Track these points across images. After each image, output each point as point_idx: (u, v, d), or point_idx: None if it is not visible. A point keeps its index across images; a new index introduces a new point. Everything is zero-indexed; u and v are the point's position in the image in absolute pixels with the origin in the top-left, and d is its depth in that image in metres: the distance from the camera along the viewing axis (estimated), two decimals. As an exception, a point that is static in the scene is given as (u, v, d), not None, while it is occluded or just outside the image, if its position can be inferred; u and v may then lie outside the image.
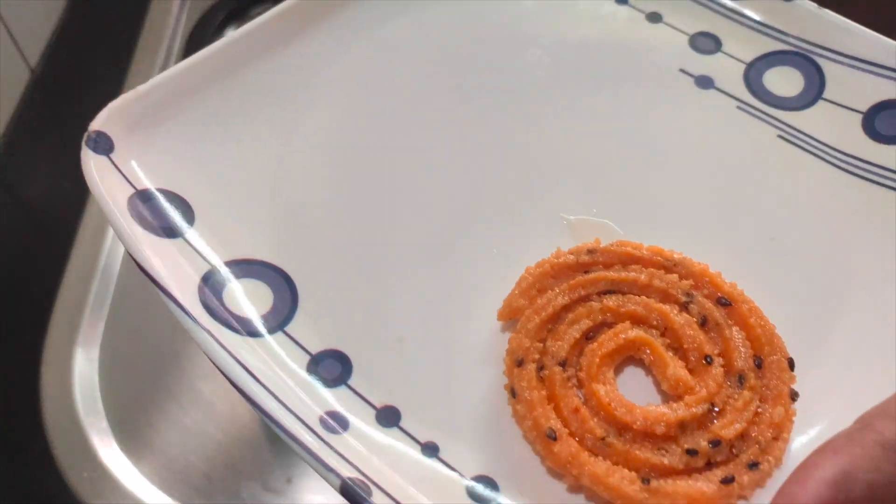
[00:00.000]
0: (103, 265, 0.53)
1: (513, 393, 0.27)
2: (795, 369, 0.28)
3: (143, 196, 0.31)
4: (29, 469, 0.44)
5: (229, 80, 0.35)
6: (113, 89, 0.59)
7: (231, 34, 0.36)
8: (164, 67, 0.63)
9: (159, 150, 0.33)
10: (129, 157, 0.32)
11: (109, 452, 0.45)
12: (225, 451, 0.46)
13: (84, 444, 0.45)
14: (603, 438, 0.26)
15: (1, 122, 0.55)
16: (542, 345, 0.28)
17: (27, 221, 0.52)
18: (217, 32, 0.66)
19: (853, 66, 0.36)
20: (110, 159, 0.31)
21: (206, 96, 0.35)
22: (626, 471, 0.25)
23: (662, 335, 0.29)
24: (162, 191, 0.32)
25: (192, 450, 0.46)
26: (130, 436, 0.46)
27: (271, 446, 0.46)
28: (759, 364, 0.28)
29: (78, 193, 0.52)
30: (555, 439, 0.26)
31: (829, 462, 0.21)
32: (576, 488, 0.26)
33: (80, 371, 0.48)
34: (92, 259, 0.53)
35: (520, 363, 0.28)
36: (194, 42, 0.65)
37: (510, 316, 0.29)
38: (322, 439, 0.26)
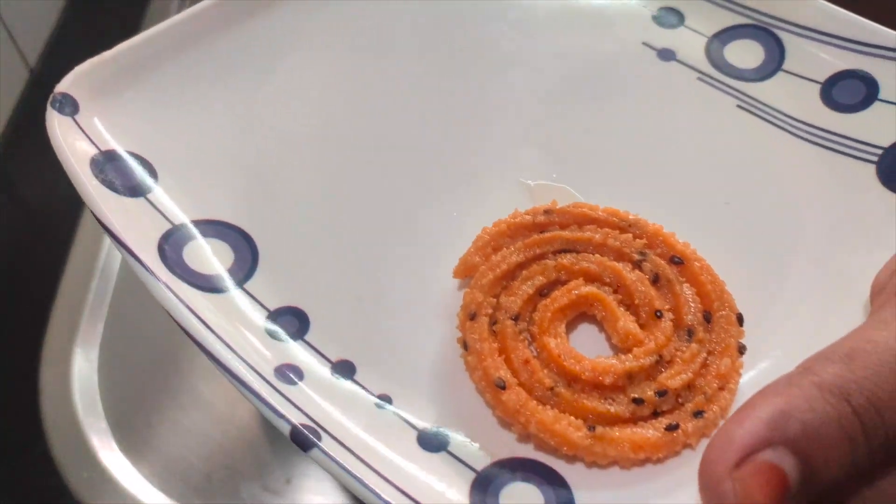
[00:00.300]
0: (102, 265, 0.53)
1: (465, 346, 0.28)
2: (744, 324, 0.28)
3: (108, 156, 0.32)
4: (28, 469, 0.44)
5: (196, 48, 0.36)
6: None
7: (200, 3, 0.36)
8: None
9: (125, 114, 0.33)
10: (94, 118, 0.32)
11: (109, 453, 0.45)
12: (225, 452, 0.46)
13: (83, 445, 0.45)
14: (551, 388, 0.26)
15: (0, 121, 0.55)
16: (495, 300, 0.29)
17: (27, 221, 0.52)
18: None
19: (812, 38, 0.37)
20: (75, 120, 0.32)
21: (174, 63, 0.35)
22: (572, 418, 0.26)
23: (615, 292, 0.29)
24: (125, 152, 0.32)
25: (191, 450, 0.46)
26: (130, 436, 0.46)
27: (271, 447, 0.46)
28: (708, 319, 0.28)
29: (77, 193, 0.51)
30: (504, 388, 0.26)
31: (768, 402, 0.21)
32: (524, 437, 0.26)
33: (80, 371, 0.48)
34: (91, 259, 0.53)
35: (472, 317, 0.28)
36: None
37: (465, 273, 0.30)
38: (275, 388, 0.26)
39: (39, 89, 0.57)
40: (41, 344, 0.49)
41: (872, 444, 0.21)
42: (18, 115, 0.56)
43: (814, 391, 0.21)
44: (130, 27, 0.64)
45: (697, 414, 0.26)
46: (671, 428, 0.25)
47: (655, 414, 0.26)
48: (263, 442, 0.46)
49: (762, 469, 0.20)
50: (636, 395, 0.26)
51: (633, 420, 0.26)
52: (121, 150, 0.32)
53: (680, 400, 0.26)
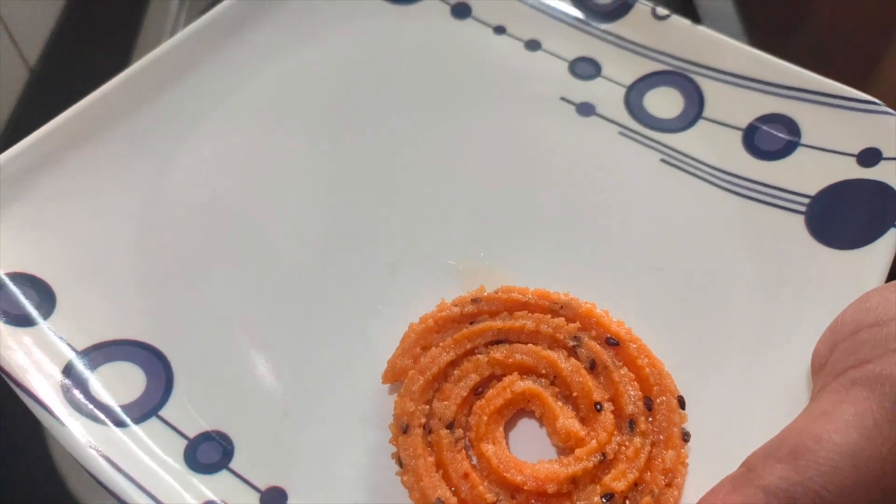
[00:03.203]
0: None
1: (399, 462, 0.26)
2: (686, 407, 0.27)
3: None
4: (27, 470, 0.42)
5: (80, 150, 0.33)
6: None
7: (82, 102, 0.34)
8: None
9: (12, 229, 0.31)
10: None
11: None
12: None
13: None
14: (494, 503, 0.25)
15: (0, 121, 0.53)
16: (428, 407, 0.27)
17: None
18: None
19: (731, 83, 0.36)
20: None
21: (61, 166, 0.33)
22: (518, 536, 0.24)
23: (553, 383, 0.28)
24: (14, 274, 0.30)
25: None
26: None
27: None
28: (649, 405, 0.27)
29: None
30: (444, 510, 0.25)
31: None
32: (471, 558, 0.25)
33: None
34: None
35: (405, 430, 0.26)
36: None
37: (395, 378, 0.28)
38: None
39: (39, 89, 0.56)
40: None
41: None
42: (18, 115, 0.55)
43: (759, 496, 0.21)
44: (129, 27, 0.64)
45: (646, 516, 0.25)
46: (620, 535, 0.24)
47: (604, 519, 0.25)
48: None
49: None
50: (582, 503, 0.25)
51: (581, 529, 0.25)
52: (6, 274, 0.30)
53: (627, 502, 0.25)
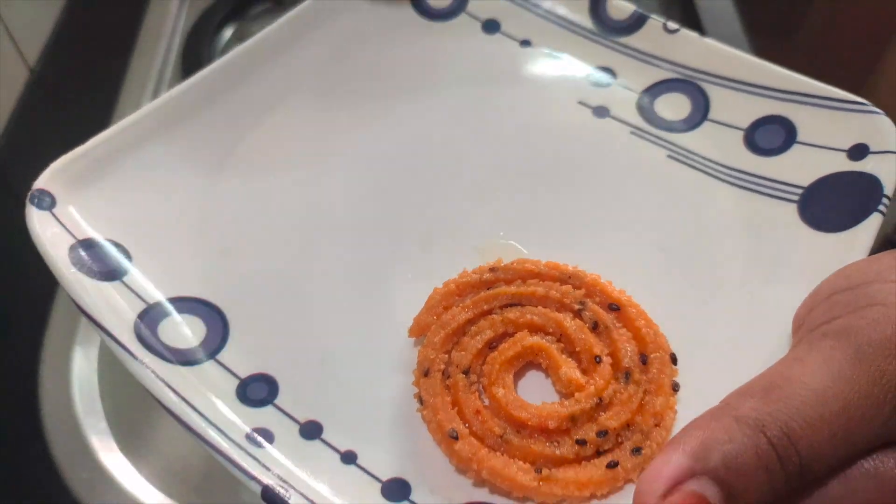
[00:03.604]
0: None
1: (420, 401, 0.30)
2: (678, 364, 0.31)
3: (84, 245, 0.34)
4: (28, 470, 0.44)
5: (160, 139, 0.38)
6: (112, 89, 0.60)
7: (160, 99, 0.39)
8: (162, 68, 0.65)
9: (99, 203, 0.36)
10: (70, 209, 0.35)
11: (108, 453, 0.45)
12: None
13: (83, 445, 0.45)
14: (501, 436, 0.29)
15: (0, 121, 0.55)
16: (447, 356, 0.31)
17: (27, 221, 0.53)
18: (216, 32, 0.66)
19: (734, 88, 0.40)
20: (52, 213, 0.34)
21: (140, 153, 0.38)
22: (521, 463, 0.28)
23: (559, 341, 0.31)
24: (101, 239, 0.35)
25: (191, 450, 0.46)
26: (130, 436, 0.46)
27: None
28: (644, 361, 0.30)
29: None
30: (456, 438, 0.28)
31: (692, 436, 0.23)
32: (479, 483, 0.28)
33: (79, 371, 0.48)
34: None
35: (426, 373, 0.30)
36: (192, 42, 0.66)
37: (419, 332, 0.32)
38: (247, 452, 0.28)
39: (39, 89, 0.58)
40: (41, 344, 0.49)
41: (789, 472, 0.22)
42: (18, 115, 0.56)
43: (732, 424, 0.23)
44: (129, 27, 0.66)
45: (636, 451, 0.28)
46: (612, 465, 0.28)
47: (598, 453, 0.29)
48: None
49: (687, 498, 0.22)
50: (579, 437, 0.28)
51: (578, 460, 0.28)
52: (97, 238, 0.35)
53: (620, 439, 0.29)
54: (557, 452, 0.28)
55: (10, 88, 0.56)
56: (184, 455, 0.46)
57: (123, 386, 0.48)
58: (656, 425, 0.29)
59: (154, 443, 0.47)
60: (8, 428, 0.46)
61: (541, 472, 0.27)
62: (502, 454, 0.28)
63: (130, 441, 0.46)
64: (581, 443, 0.28)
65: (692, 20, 0.41)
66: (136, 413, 0.48)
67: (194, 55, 0.64)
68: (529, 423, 0.29)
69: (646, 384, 0.30)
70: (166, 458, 0.46)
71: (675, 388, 0.30)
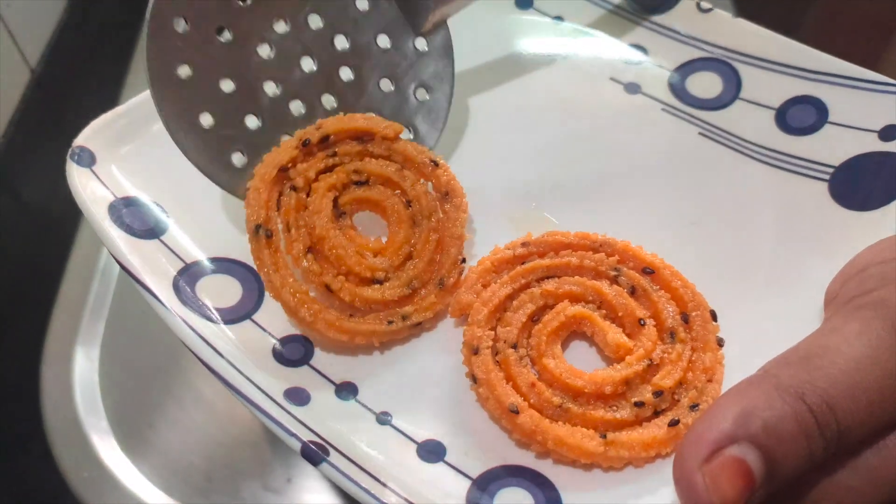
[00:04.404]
0: (103, 265, 0.53)
1: (473, 379, 0.30)
2: (718, 320, 0.31)
3: (125, 202, 0.34)
4: (29, 469, 0.44)
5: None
6: (112, 89, 0.61)
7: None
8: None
9: (138, 162, 0.36)
10: (111, 167, 0.35)
11: (109, 452, 0.45)
12: (225, 451, 0.47)
13: (84, 444, 0.45)
14: (560, 405, 0.29)
15: (1, 122, 0.55)
16: (493, 332, 0.31)
17: (27, 221, 0.52)
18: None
19: (766, 68, 0.40)
20: (92, 171, 0.34)
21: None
22: (584, 430, 0.28)
23: (599, 308, 0.32)
24: (140, 198, 0.35)
25: (192, 450, 0.46)
26: (130, 435, 0.46)
27: (271, 446, 0.47)
28: (686, 319, 0.31)
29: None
30: (517, 412, 0.28)
31: (732, 403, 0.23)
32: (544, 454, 0.29)
33: (81, 371, 0.48)
34: (92, 259, 0.53)
35: (476, 351, 0.30)
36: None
37: (461, 312, 0.32)
38: (285, 409, 0.28)
39: (41, 89, 0.58)
40: (42, 343, 0.49)
41: (827, 438, 0.23)
42: (20, 115, 0.56)
43: (773, 391, 0.23)
44: (130, 28, 0.66)
45: (693, 407, 0.29)
46: (673, 423, 0.28)
47: (656, 413, 0.29)
48: (264, 442, 0.47)
49: (729, 463, 0.22)
50: (637, 399, 0.29)
51: (638, 422, 0.29)
52: (137, 196, 0.34)
53: (675, 397, 0.29)
54: (618, 416, 0.28)
55: (11, 89, 0.56)
56: (185, 454, 0.46)
57: (125, 385, 0.48)
58: (709, 381, 0.29)
59: (155, 442, 0.47)
60: (9, 427, 0.46)
61: (605, 437, 0.28)
62: (563, 423, 0.28)
63: (131, 440, 0.46)
64: (639, 405, 0.29)
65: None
66: (137, 412, 0.48)
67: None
68: (585, 390, 0.29)
69: (691, 342, 0.30)
70: (167, 458, 0.46)
71: (721, 343, 0.31)
